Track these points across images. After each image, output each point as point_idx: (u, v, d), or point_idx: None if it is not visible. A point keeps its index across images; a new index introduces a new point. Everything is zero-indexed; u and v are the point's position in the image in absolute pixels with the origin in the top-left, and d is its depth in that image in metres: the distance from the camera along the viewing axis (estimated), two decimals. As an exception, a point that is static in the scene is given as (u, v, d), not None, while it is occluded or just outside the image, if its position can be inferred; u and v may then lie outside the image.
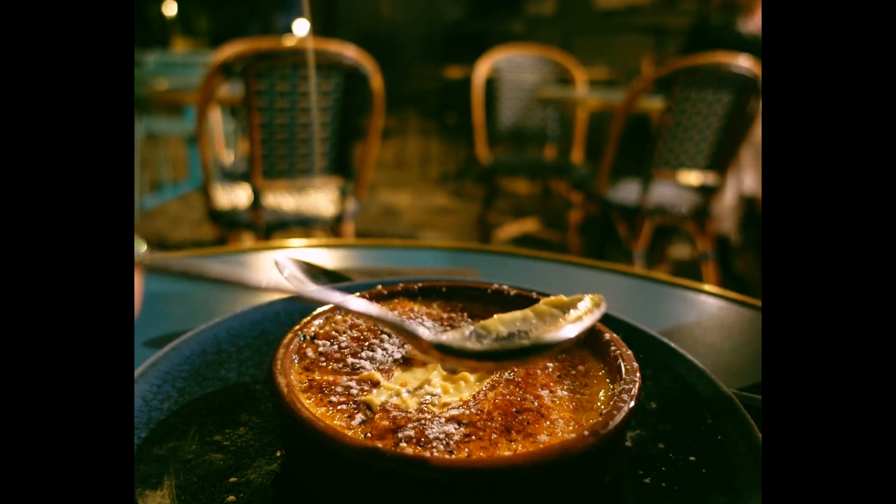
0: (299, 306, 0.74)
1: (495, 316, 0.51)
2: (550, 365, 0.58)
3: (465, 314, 0.67)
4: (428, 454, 0.43)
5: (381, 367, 0.56)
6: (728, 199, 3.83)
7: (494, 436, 0.46)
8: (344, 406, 0.49)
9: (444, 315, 0.67)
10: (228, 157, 4.21)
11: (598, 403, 0.52)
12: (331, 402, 0.50)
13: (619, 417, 0.46)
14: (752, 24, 3.90)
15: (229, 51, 2.79)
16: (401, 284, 0.70)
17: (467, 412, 0.49)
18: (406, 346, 0.59)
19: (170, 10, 13.02)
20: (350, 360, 0.56)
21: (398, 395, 0.51)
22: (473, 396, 0.51)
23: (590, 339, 0.60)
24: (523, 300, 0.68)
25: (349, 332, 0.61)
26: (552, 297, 0.53)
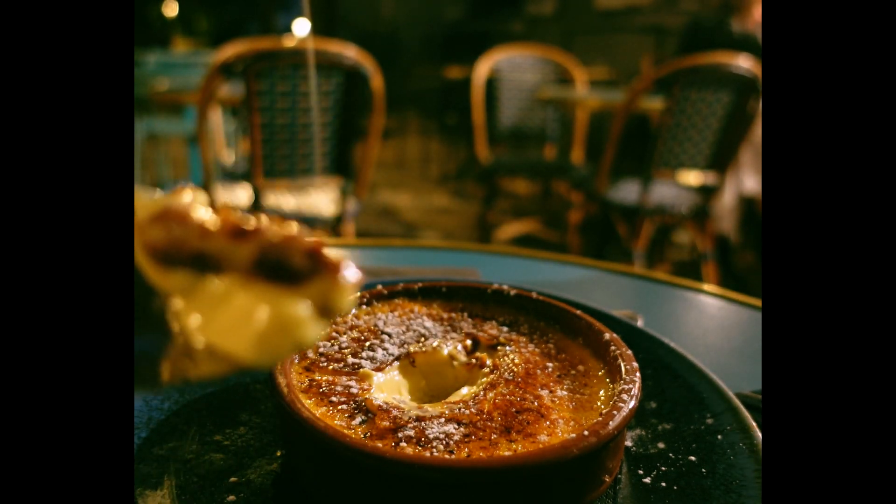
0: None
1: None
2: (550, 365, 0.58)
3: (465, 314, 0.67)
4: (428, 454, 0.43)
5: (380, 367, 0.56)
6: (728, 199, 3.83)
7: (494, 436, 0.46)
8: (344, 406, 0.49)
9: (445, 315, 0.67)
10: (229, 157, 4.21)
11: (598, 403, 0.52)
12: (331, 402, 0.50)
13: (619, 417, 0.46)
14: (748, 23, 3.88)
15: (229, 51, 2.78)
16: (401, 284, 0.70)
17: (467, 412, 0.49)
18: (407, 346, 0.59)
19: (170, 10, 13.02)
20: (350, 359, 0.56)
21: (398, 394, 0.51)
22: (473, 396, 0.51)
23: (590, 339, 0.60)
24: (523, 300, 0.68)
25: (349, 332, 0.61)
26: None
